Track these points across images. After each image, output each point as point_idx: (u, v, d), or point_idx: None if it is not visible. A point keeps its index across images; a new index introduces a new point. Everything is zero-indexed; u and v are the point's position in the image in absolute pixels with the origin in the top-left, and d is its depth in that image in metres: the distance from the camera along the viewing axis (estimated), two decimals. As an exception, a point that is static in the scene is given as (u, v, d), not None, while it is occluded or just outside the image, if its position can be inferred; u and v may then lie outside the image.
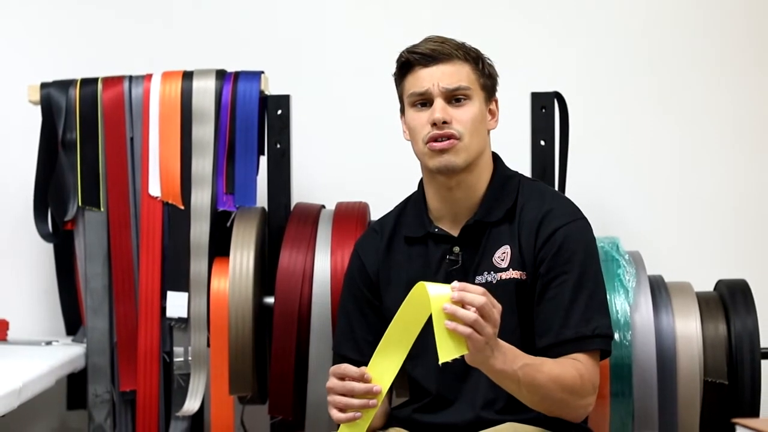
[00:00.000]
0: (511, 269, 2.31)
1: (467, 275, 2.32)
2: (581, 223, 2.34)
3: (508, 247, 2.32)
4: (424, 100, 2.33)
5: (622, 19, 3.37)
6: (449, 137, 2.29)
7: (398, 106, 2.43)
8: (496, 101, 2.41)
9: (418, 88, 2.32)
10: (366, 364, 2.43)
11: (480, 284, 2.29)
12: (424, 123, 2.31)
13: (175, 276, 2.96)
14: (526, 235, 2.31)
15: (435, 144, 2.29)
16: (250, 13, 3.39)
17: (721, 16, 3.35)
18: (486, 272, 2.32)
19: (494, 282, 2.30)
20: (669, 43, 3.36)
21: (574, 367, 2.21)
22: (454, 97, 2.31)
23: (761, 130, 3.35)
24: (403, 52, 2.36)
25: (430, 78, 2.31)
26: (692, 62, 3.35)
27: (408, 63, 2.35)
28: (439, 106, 2.30)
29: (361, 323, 2.44)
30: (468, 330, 1.99)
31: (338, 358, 2.48)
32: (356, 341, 2.43)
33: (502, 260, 2.32)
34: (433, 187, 2.37)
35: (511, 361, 2.11)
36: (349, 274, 2.49)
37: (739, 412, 2.68)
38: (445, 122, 2.29)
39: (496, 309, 2.03)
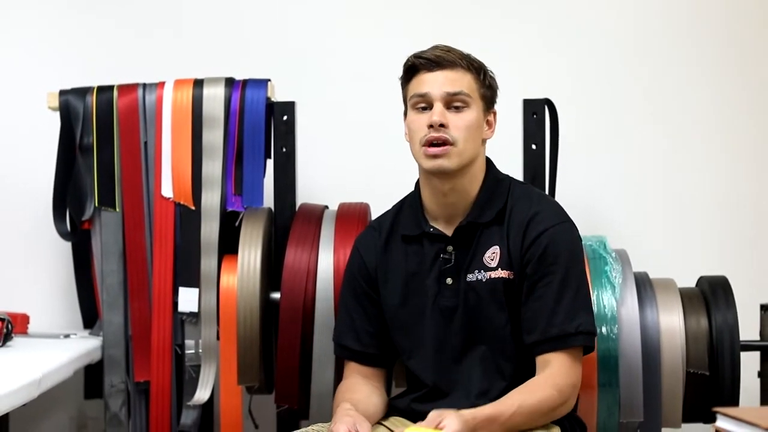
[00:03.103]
0: (500, 269, 2.32)
1: (459, 273, 2.34)
2: (566, 226, 2.35)
3: (497, 247, 2.33)
4: (425, 103, 2.33)
5: (610, 31, 3.37)
6: (443, 142, 2.30)
7: (397, 111, 2.44)
8: (495, 113, 2.41)
9: (420, 90, 2.33)
10: (365, 354, 2.45)
11: (471, 282, 2.32)
12: (423, 125, 2.32)
13: (187, 273, 2.96)
14: (514, 237, 2.32)
15: (430, 149, 2.30)
16: (258, 24, 3.39)
17: (705, 25, 3.36)
18: (477, 270, 2.33)
19: (484, 280, 2.32)
20: (653, 52, 3.36)
21: (549, 384, 2.24)
22: (454, 104, 2.32)
23: (741, 136, 3.36)
24: (410, 57, 2.37)
25: (433, 82, 2.32)
26: (676, 70, 3.36)
27: (414, 67, 2.36)
28: (438, 110, 2.31)
29: (360, 315, 2.45)
30: None
31: (338, 348, 2.50)
32: (356, 332, 2.44)
33: (492, 260, 2.33)
34: (428, 189, 2.38)
35: (489, 430, 2.16)
36: (349, 269, 2.50)
37: (720, 401, 2.68)
38: (441, 125, 2.29)
39: None
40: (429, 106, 2.33)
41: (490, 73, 2.39)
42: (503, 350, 2.33)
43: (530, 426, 2.22)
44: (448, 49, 2.35)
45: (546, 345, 2.26)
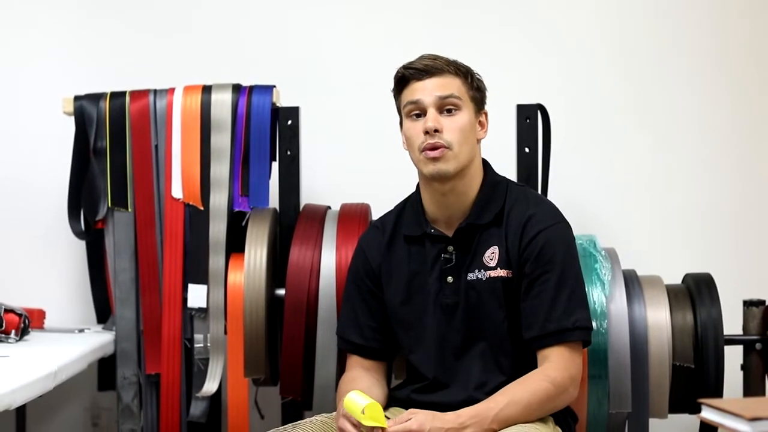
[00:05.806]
0: (499, 268, 2.32)
1: (460, 272, 2.34)
2: (561, 226, 2.35)
3: (496, 247, 2.33)
4: (419, 111, 2.33)
5: (599, 40, 3.38)
6: (440, 148, 2.29)
7: (396, 116, 2.44)
8: (486, 114, 2.41)
9: (413, 98, 2.32)
10: (367, 348, 2.45)
11: (471, 281, 2.32)
12: (419, 132, 2.32)
13: (196, 270, 2.96)
14: (512, 237, 2.32)
15: (429, 152, 2.30)
16: (264, 33, 3.39)
17: (691, 30, 3.36)
18: (477, 270, 2.33)
19: (484, 279, 2.31)
20: (641, 58, 3.36)
21: (542, 378, 2.24)
22: (446, 108, 2.32)
23: (724, 138, 3.36)
24: (399, 68, 2.36)
25: (423, 89, 2.32)
26: (661, 74, 3.36)
27: (404, 78, 2.35)
28: (432, 115, 2.30)
29: (363, 310, 2.44)
30: None
31: (342, 341, 2.50)
32: (359, 326, 2.44)
33: (491, 260, 2.32)
34: (428, 192, 2.38)
35: (480, 425, 2.16)
36: (353, 267, 2.49)
37: (705, 393, 2.68)
38: (436, 130, 2.29)
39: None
40: (423, 113, 2.32)
41: (478, 76, 2.39)
42: (502, 346, 2.33)
43: (527, 418, 2.21)
44: (435, 57, 2.35)
45: (545, 340, 2.26)
